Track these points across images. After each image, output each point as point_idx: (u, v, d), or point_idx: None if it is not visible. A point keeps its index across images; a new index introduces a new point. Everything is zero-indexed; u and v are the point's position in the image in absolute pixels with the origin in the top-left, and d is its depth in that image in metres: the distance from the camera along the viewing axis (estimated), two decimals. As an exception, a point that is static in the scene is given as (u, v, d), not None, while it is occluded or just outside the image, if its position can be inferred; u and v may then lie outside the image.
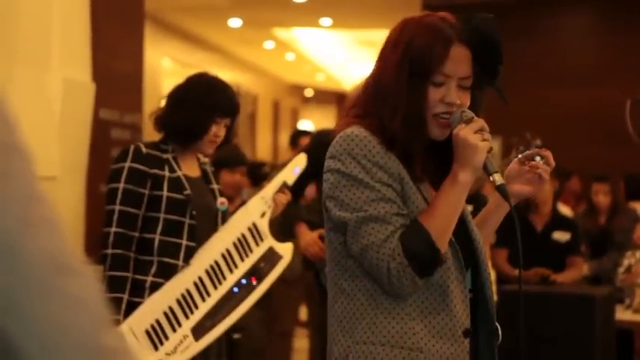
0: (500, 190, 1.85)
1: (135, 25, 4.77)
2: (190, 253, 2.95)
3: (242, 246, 3.05)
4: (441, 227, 1.77)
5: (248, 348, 4.43)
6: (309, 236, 3.58)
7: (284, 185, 3.23)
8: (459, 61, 1.85)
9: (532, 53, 9.00)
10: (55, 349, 0.70)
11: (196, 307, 2.92)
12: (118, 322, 2.79)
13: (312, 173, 3.27)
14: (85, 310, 0.72)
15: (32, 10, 3.55)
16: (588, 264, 5.78)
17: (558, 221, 5.29)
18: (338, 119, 2.01)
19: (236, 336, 3.20)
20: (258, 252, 3.07)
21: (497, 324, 1.98)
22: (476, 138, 1.78)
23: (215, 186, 3.15)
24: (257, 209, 3.14)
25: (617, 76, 8.72)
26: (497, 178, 1.84)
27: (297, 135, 6.88)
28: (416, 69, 1.83)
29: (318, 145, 3.67)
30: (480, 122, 1.81)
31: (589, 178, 6.80)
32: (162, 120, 3.07)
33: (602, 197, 6.29)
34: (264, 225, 3.11)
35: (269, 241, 3.10)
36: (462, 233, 1.92)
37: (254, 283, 3.03)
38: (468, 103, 1.87)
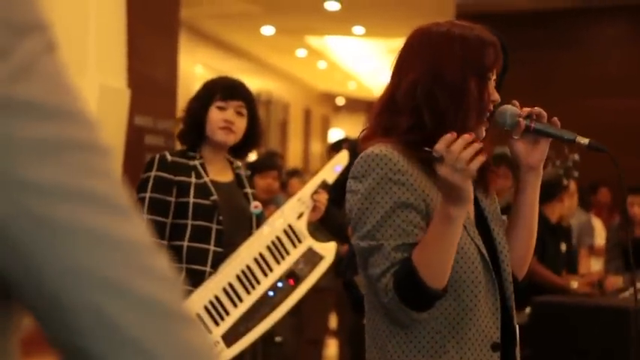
0: (593, 147, 1.87)
1: (170, 33, 4.81)
2: (218, 259, 2.94)
3: (277, 249, 3.01)
4: (431, 265, 1.71)
5: (280, 355, 4.43)
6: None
7: (323, 184, 3.18)
8: (500, 62, 1.87)
9: (569, 63, 8.93)
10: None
11: (227, 313, 2.89)
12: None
13: None
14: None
15: (69, 16, 3.59)
16: (623, 276, 5.71)
17: None
18: (363, 131, 1.97)
19: (278, 339, 3.17)
20: (295, 253, 3.02)
21: (517, 332, 1.94)
22: (456, 177, 1.68)
23: (249, 190, 3.12)
24: (293, 211, 3.10)
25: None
26: (582, 140, 1.86)
27: (339, 143, 6.77)
28: (476, 68, 1.82)
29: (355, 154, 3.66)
30: (465, 138, 1.70)
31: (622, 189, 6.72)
32: (180, 128, 3.12)
33: (637, 209, 6.21)
34: (301, 226, 3.06)
35: (308, 242, 3.04)
36: (488, 244, 1.89)
37: (291, 284, 2.98)
38: None
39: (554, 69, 8.90)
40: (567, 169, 4.65)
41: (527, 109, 1.88)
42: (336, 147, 6.62)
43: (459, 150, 1.68)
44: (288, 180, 6.21)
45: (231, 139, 3.04)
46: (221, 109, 3.01)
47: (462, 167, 1.67)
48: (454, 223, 1.71)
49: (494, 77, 1.86)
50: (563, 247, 5.25)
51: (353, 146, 3.83)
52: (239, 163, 3.18)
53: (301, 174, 6.75)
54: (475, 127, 1.83)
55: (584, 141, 1.87)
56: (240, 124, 3.03)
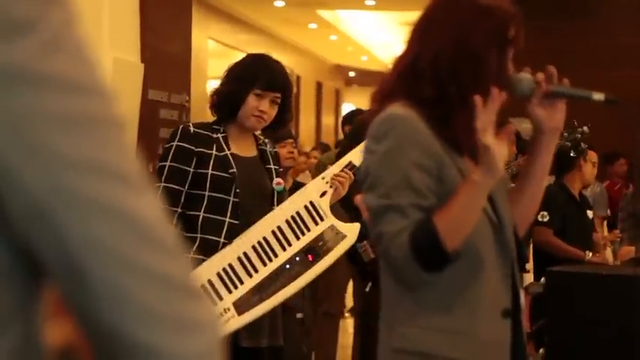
0: (609, 102, 1.89)
1: (183, 7, 4.81)
2: (233, 231, 2.95)
3: (297, 224, 3.01)
4: (453, 228, 1.74)
5: (302, 330, 4.46)
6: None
7: (349, 165, 3.17)
8: (521, 37, 1.88)
9: (580, 33, 8.87)
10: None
11: (241, 282, 2.90)
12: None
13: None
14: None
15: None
16: (636, 246, 5.71)
17: None
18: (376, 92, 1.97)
19: (299, 315, 3.18)
20: (316, 230, 3.01)
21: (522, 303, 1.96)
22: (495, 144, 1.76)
23: (272, 166, 3.13)
24: (316, 188, 3.11)
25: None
26: (597, 95, 1.89)
27: (352, 114, 6.74)
28: (499, 41, 1.83)
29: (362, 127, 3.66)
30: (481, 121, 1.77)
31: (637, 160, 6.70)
32: (213, 96, 3.10)
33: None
34: (324, 204, 3.06)
35: (330, 220, 3.04)
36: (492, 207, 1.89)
37: (310, 260, 3.00)
38: None
39: (566, 38, 8.85)
40: (575, 140, 4.62)
41: (540, 74, 1.90)
42: (349, 119, 6.59)
43: (482, 122, 1.75)
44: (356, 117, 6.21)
45: (260, 126, 3.08)
46: (258, 96, 3.02)
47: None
48: (480, 190, 1.76)
49: (516, 49, 1.87)
50: (590, 214, 5.26)
51: (350, 116, 3.85)
52: (265, 139, 3.19)
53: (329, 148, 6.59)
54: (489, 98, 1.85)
55: (600, 96, 1.89)
56: (272, 113, 3.06)
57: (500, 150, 1.76)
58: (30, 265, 0.72)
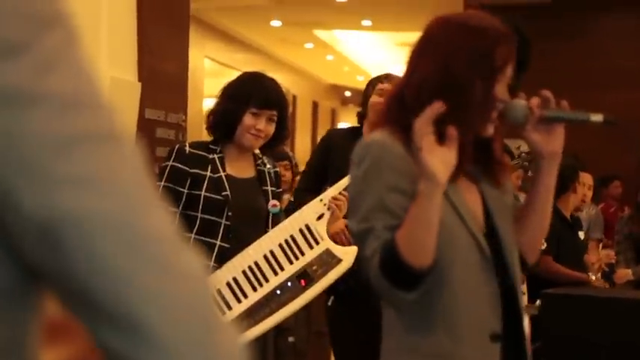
0: (608, 122, 1.86)
1: (180, 27, 4.82)
2: (224, 255, 2.92)
3: (290, 248, 2.97)
4: (411, 243, 1.72)
5: (293, 353, 4.43)
6: (337, 225, 3.33)
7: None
8: (513, 61, 1.86)
9: (575, 55, 8.91)
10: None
11: (229, 308, 2.87)
12: None
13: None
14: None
15: (81, 10, 3.60)
16: (632, 269, 5.71)
17: None
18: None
19: (290, 339, 3.13)
20: (310, 254, 2.97)
21: (524, 328, 1.94)
22: (427, 156, 1.71)
23: (269, 188, 3.12)
24: (313, 211, 3.07)
25: (661, 79, 8.60)
26: (595, 117, 1.85)
27: None
28: (483, 68, 1.81)
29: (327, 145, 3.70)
30: (426, 114, 1.73)
31: (633, 183, 6.71)
32: (209, 116, 3.10)
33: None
34: (320, 227, 3.03)
35: (326, 244, 3.01)
36: (489, 231, 1.89)
37: (302, 285, 2.96)
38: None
39: (562, 60, 8.88)
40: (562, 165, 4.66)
41: (535, 99, 1.88)
42: None
43: (418, 126, 1.71)
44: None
45: (258, 144, 3.06)
46: (255, 115, 3.01)
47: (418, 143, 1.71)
48: (426, 200, 1.71)
49: (508, 74, 1.85)
50: (581, 235, 5.26)
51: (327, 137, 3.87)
52: (265, 159, 3.16)
53: None
54: (481, 126, 1.84)
55: (598, 118, 1.86)
56: (270, 130, 3.05)
57: (446, 157, 1.72)
58: (30, 287, 0.71)
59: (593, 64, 8.99)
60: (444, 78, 1.81)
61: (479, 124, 1.84)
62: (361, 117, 3.69)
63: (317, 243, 3.00)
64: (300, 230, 3.00)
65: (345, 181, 3.16)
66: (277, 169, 3.24)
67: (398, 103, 1.87)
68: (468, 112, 1.80)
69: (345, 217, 3.30)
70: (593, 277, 4.96)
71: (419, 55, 1.89)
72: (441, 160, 1.70)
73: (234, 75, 3.23)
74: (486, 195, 1.95)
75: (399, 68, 2.05)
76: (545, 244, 4.87)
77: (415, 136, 1.71)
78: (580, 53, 8.99)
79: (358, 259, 2.78)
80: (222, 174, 2.99)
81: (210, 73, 11.82)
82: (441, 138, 1.74)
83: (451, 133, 1.71)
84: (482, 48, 1.81)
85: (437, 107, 1.71)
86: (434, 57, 1.85)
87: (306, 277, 2.95)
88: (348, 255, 3.01)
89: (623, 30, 9.27)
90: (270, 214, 3.07)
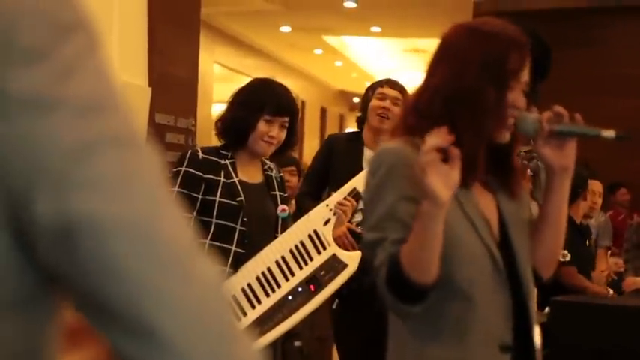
0: (621, 138, 1.85)
1: (191, 32, 4.83)
2: (239, 260, 2.93)
3: (300, 253, 2.99)
4: (414, 260, 1.71)
5: (300, 358, 4.43)
6: (339, 229, 3.33)
7: (353, 192, 3.17)
8: (527, 66, 1.85)
9: (585, 63, 8.89)
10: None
11: (244, 314, 2.88)
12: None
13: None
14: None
15: (92, 15, 3.62)
16: (641, 277, 5.69)
17: None
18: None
19: (297, 343, 3.14)
20: (319, 260, 2.99)
21: (535, 338, 1.93)
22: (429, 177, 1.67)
23: (277, 193, 3.12)
24: (320, 216, 3.09)
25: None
26: (607, 133, 1.83)
27: None
28: (496, 74, 1.81)
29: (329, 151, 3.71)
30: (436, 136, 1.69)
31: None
32: (218, 123, 3.10)
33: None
34: (327, 232, 3.04)
35: (332, 249, 3.03)
36: (503, 241, 1.88)
37: (312, 290, 2.98)
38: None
39: (572, 68, 8.87)
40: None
41: (546, 113, 1.86)
42: None
43: (425, 150, 1.68)
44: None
45: (271, 151, 3.07)
46: (268, 122, 3.02)
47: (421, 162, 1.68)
48: (428, 219, 1.69)
49: (524, 79, 1.85)
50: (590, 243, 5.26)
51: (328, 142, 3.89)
52: (271, 165, 3.17)
53: None
54: (495, 132, 1.84)
55: (610, 134, 1.84)
56: (282, 137, 3.06)
57: (449, 176, 1.67)
58: (48, 293, 0.71)
59: (604, 72, 8.97)
60: (457, 84, 1.82)
61: (493, 130, 1.83)
62: (361, 121, 3.72)
63: (324, 248, 3.02)
64: (309, 236, 3.02)
65: (350, 185, 3.18)
66: (282, 175, 3.25)
67: (414, 111, 1.88)
68: (481, 118, 1.80)
69: (349, 221, 3.33)
70: (611, 292, 4.95)
71: (436, 63, 1.89)
72: (443, 180, 1.67)
73: (243, 80, 3.22)
74: (502, 206, 1.94)
75: (407, 74, 2.05)
76: (569, 256, 4.84)
77: (420, 158, 1.68)
78: (590, 61, 8.98)
79: (362, 262, 2.78)
80: (236, 179, 3.00)
81: (219, 77, 11.85)
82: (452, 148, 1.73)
83: (454, 153, 1.68)
84: (494, 53, 1.82)
85: (444, 134, 1.67)
86: (449, 63, 1.85)
87: (315, 282, 2.96)
88: (353, 260, 3.04)
89: (633, 38, 9.25)
90: (280, 219, 3.08)
